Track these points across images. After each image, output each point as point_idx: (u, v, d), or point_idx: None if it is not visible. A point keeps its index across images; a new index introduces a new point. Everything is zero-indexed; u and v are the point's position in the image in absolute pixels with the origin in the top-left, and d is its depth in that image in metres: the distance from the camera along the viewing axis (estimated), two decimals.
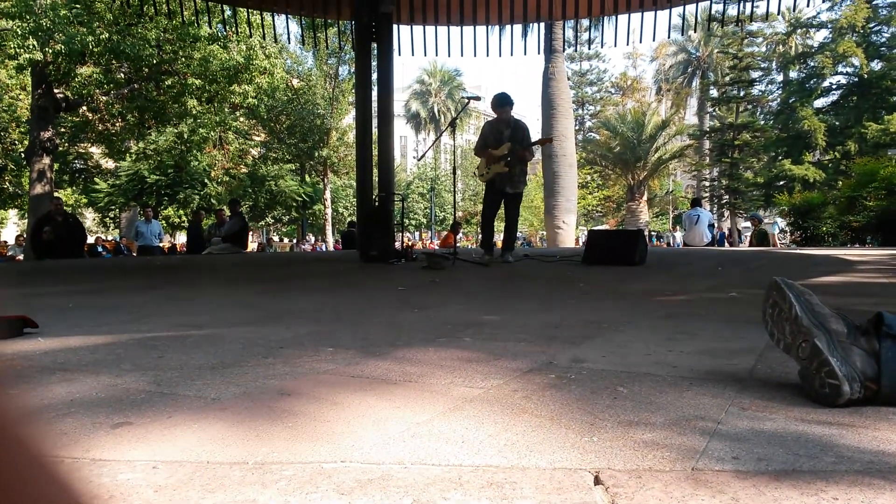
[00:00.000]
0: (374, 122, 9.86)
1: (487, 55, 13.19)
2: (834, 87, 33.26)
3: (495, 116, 7.30)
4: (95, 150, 25.39)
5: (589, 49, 39.55)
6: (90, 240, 18.80)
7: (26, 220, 20.68)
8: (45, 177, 16.48)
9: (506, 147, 7.02)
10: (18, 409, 0.30)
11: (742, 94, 33.87)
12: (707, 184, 37.39)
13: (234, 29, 13.74)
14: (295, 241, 33.96)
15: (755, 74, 35.47)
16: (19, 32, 14.50)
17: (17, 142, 22.71)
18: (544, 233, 24.34)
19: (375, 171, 10.12)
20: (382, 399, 1.45)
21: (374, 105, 9.97)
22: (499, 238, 8.30)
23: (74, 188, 27.84)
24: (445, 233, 26.35)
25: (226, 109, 20.31)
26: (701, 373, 1.68)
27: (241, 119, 25.48)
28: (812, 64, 33.52)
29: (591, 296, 3.90)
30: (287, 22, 14.26)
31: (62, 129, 20.54)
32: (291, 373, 1.73)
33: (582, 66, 45.86)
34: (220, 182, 25.22)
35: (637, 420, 1.27)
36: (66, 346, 2.23)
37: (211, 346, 2.15)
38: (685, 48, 52.74)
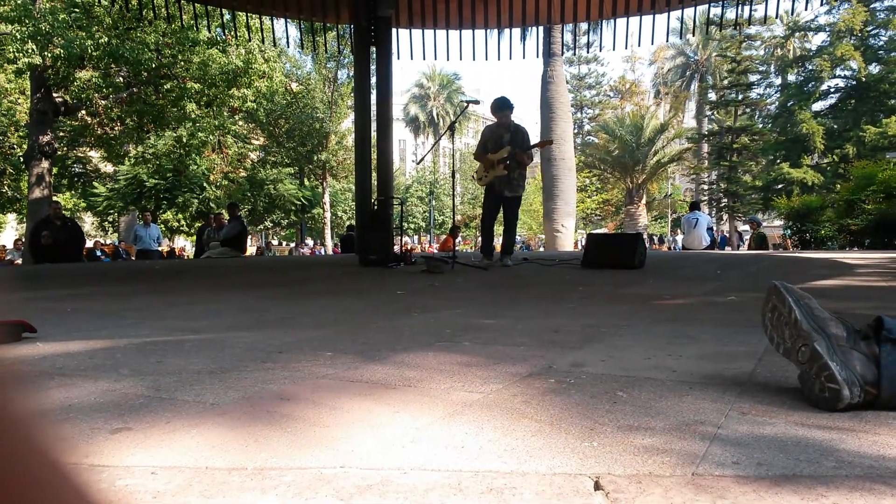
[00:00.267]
0: (373, 126, 9.87)
1: (486, 59, 13.20)
2: (832, 90, 33.36)
3: (495, 120, 7.31)
4: (94, 154, 25.40)
5: (587, 53, 39.61)
6: (89, 244, 18.81)
7: (25, 224, 20.66)
8: (43, 181, 16.48)
9: (505, 151, 7.03)
10: (34, 413, 0.30)
11: (740, 97, 33.93)
12: (706, 187, 37.45)
13: (233, 33, 13.76)
14: (294, 244, 33.94)
15: (753, 78, 35.52)
16: (18, 36, 14.53)
17: (15, 146, 22.71)
18: (543, 236, 24.34)
19: (374, 174, 10.13)
20: (381, 404, 1.45)
21: (373, 109, 9.99)
22: (498, 242, 8.29)
23: (73, 192, 27.82)
24: (444, 236, 26.36)
25: (225, 113, 20.34)
26: (701, 377, 1.68)
27: (240, 123, 25.50)
28: (810, 67, 33.63)
29: (591, 300, 3.90)
30: (286, 26, 14.36)
31: (61, 133, 20.54)
32: (290, 377, 1.73)
33: (580, 69, 45.94)
34: (219, 186, 25.22)
35: (637, 425, 1.27)
36: (65, 350, 2.22)
37: (210, 351, 2.14)
38: (683, 52, 52.90)
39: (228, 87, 17.68)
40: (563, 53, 20.53)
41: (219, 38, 16.99)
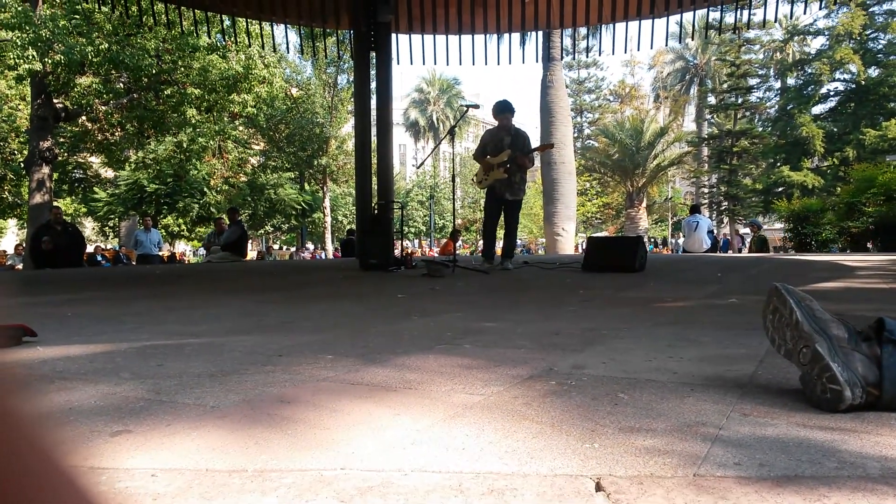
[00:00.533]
0: (373, 131, 9.88)
1: (486, 63, 13.23)
2: (832, 93, 33.42)
3: (496, 124, 7.31)
4: (95, 160, 25.41)
5: (587, 57, 39.79)
6: (89, 249, 18.80)
7: (26, 230, 20.68)
8: (44, 186, 16.48)
9: (505, 154, 7.03)
10: (37, 415, 0.30)
11: (740, 100, 33.99)
12: (706, 190, 37.48)
13: (233, 39, 13.77)
14: (294, 249, 33.96)
15: (753, 81, 35.59)
16: (19, 43, 14.54)
17: (16, 152, 22.73)
18: (544, 240, 24.35)
19: (375, 178, 10.13)
20: (382, 406, 1.44)
21: (373, 113, 10.00)
22: (498, 245, 8.30)
23: (74, 197, 27.84)
24: (445, 240, 26.37)
25: (225, 118, 20.35)
26: (702, 379, 1.68)
27: (241, 128, 25.53)
28: (810, 71, 33.69)
29: (592, 303, 3.90)
30: (286, 31, 14.36)
31: (61, 139, 20.55)
32: (291, 380, 1.72)
33: (580, 73, 46.06)
34: (220, 191, 25.25)
35: (638, 426, 1.26)
36: (65, 354, 2.22)
37: (210, 355, 2.14)
38: (683, 56, 53.02)
39: (229, 92, 17.71)
40: (562, 58, 20.59)
41: (219, 44, 17.02)
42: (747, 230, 21.48)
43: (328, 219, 31.20)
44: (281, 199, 28.50)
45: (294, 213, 29.91)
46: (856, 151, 29.41)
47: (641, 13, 11.07)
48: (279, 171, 29.47)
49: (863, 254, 11.41)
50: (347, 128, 29.97)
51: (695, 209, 14.87)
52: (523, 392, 1.56)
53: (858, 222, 13.94)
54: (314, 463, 1.08)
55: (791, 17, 35.33)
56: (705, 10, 12.17)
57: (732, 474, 1.00)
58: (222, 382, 1.71)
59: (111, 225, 28.21)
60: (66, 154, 22.59)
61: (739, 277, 5.98)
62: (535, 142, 7.48)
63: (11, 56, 14.80)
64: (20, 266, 17.00)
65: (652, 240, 37.22)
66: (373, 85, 9.94)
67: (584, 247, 9.46)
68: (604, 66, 53.49)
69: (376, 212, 8.73)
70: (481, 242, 8.49)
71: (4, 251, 25.40)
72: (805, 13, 36.98)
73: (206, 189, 23.64)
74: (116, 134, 19.62)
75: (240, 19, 12.07)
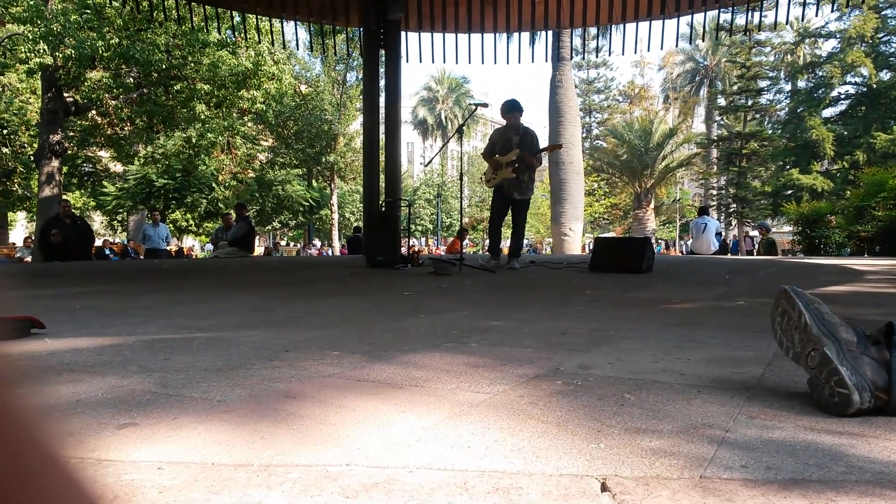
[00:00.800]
0: (382, 128, 9.89)
1: (495, 62, 13.24)
2: (842, 96, 33.18)
3: (504, 123, 7.30)
4: (104, 154, 25.53)
5: (596, 57, 39.68)
6: (98, 242, 18.90)
7: (35, 223, 20.79)
8: (53, 180, 16.58)
9: (514, 153, 7.03)
10: (33, 409, 0.30)
11: (750, 103, 33.81)
12: (714, 192, 37.33)
13: (242, 35, 13.80)
14: (301, 245, 34.02)
15: (763, 84, 35.39)
16: (30, 37, 14.64)
17: (26, 145, 22.87)
18: (551, 240, 24.31)
19: (382, 176, 10.14)
20: (388, 403, 1.44)
21: (382, 111, 10.00)
22: (505, 245, 8.29)
23: (83, 191, 27.98)
24: (452, 239, 26.37)
25: (234, 114, 20.43)
26: (709, 381, 1.67)
27: (249, 124, 25.59)
28: (820, 73, 33.48)
29: (598, 303, 3.89)
30: (296, 28, 14.33)
31: (71, 133, 20.67)
32: (297, 376, 1.73)
33: (589, 73, 45.86)
34: (228, 186, 25.32)
35: (644, 427, 1.26)
36: (73, 347, 2.23)
37: (217, 349, 2.15)
38: (693, 57, 52.80)
39: (238, 88, 17.77)
40: (572, 58, 20.53)
41: (229, 40, 17.07)
42: (756, 233, 21.38)
43: (335, 216, 31.25)
44: (289, 196, 28.55)
45: (301, 209, 29.97)
46: (866, 155, 29.22)
47: (652, 14, 11.03)
48: (287, 168, 29.52)
49: (872, 258, 11.35)
50: (356, 125, 30.01)
51: (703, 211, 14.80)
52: (529, 391, 1.56)
53: (868, 226, 13.86)
54: (320, 458, 1.08)
55: (802, 20, 35.08)
56: (716, 11, 12.11)
57: (739, 477, 1.00)
58: (229, 377, 1.72)
59: (120, 219, 28.34)
60: (75, 148, 22.72)
61: (747, 280, 5.95)
62: (543, 141, 7.47)
63: (23, 50, 14.91)
64: (29, 259, 17.11)
65: (661, 241, 37.08)
66: (382, 83, 9.96)
67: (591, 247, 9.44)
68: (613, 66, 53.43)
69: (384, 209, 8.74)
70: (488, 241, 8.49)
71: (14, 244, 25.58)
72: (816, 16, 36.69)
73: (214, 184, 23.71)
74: (126, 128, 19.72)
75: (250, 15, 12.10)
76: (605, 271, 6.48)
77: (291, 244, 38.92)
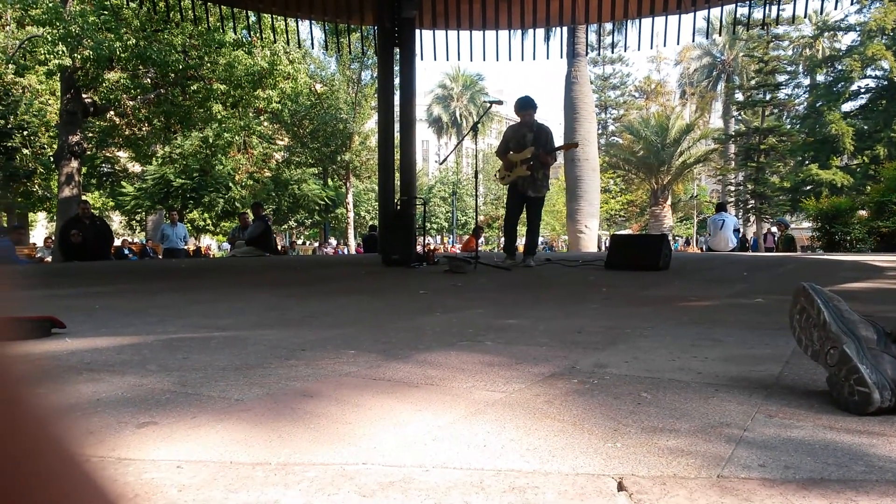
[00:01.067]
0: (397, 127, 9.90)
1: (510, 59, 13.18)
2: (862, 90, 32.73)
3: (518, 120, 7.28)
4: (122, 155, 25.79)
5: (612, 53, 39.40)
6: (117, 242, 19.09)
7: (55, 223, 21.06)
8: (73, 180, 16.78)
9: (528, 151, 7.01)
10: (51, 408, 0.31)
11: (768, 97, 33.42)
12: (732, 188, 36.94)
13: (258, 34, 13.88)
14: (317, 244, 34.16)
15: (781, 78, 34.94)
16: (49, 39, 14.81)
17: (46, 146, 23.15)
18: (566, 237, 24.22)
19: (397, 175, 10.16)
20: (404, 402, 1.45)
21: (397, 109, 10.01)
22: (521, 242, 8.28)
23: (102, 191, 28.29)
24: (467, 237, 26.34)
25: (250, 114, 20.54)
26: (726, 379, 1.66)
27: (265, 124, 25.74)
28: (840, 67, 33.03)
29: (614, 301, 3.87)
30: (311, 27, 14.41)
31: (90, 134, 20.89)
32: (314, 375, 1.74)
33: (605, 69, 45.61)
34: (245, 186, 25.47)
35: (661, 426, 1.25)
36: (93, 346, 2.26)
37: (234, 348, 2.17)
38: (710, 52, 52.27)
39: (254, 88, 17.87)
40: (587, 54, 20.40)
41: (245, 40, 17.17)
42: (774, 229, 21.16)
43: (351, 214, 31.36)
44: (304, 195, 28.70)
45: (317, 208, 30.10)
46: (886, 150, 28.81)
47: (668, 9, 10.96)
48: (303, 167, 29.66)
49: (893, 254, 11.20)
50: (371, 124, 30.08)
51: (721, 207, 14.67)
52: (545, 390, 1.55)
53: (889, 222, 13.67)
54: (336, 457, 1.08)
55: (821, 13, 34.57)
56: (733, 5, 12.01)
57: (757, 476, 0.99)
58: (246, 376, 1.73)
59: (138, 219, 28.62)
60: (94, 148, 22.96)
61: (766, 277, 5.90)
62: (557, 138, 7.44)
63: (42, 51, 15.10)
64: (49, 259, 17.31)
65: (678, 238, 36.82)
66: (396, 81, 9.96)
67: (607, 244, 9.39)
68: (629, 62, 53.07)
69: (399, 208, 8.75)
70: (503, 239, 8.47)
71: (34, 244, 25.88)
72: (836, 8, 36.22)
73: (231, 184, 23.87)
74: (144, 129, 19.92)
75: (265, 15, 12.17)
76: (621, 269, 6.45)
77: (307, 243, 39.11)
